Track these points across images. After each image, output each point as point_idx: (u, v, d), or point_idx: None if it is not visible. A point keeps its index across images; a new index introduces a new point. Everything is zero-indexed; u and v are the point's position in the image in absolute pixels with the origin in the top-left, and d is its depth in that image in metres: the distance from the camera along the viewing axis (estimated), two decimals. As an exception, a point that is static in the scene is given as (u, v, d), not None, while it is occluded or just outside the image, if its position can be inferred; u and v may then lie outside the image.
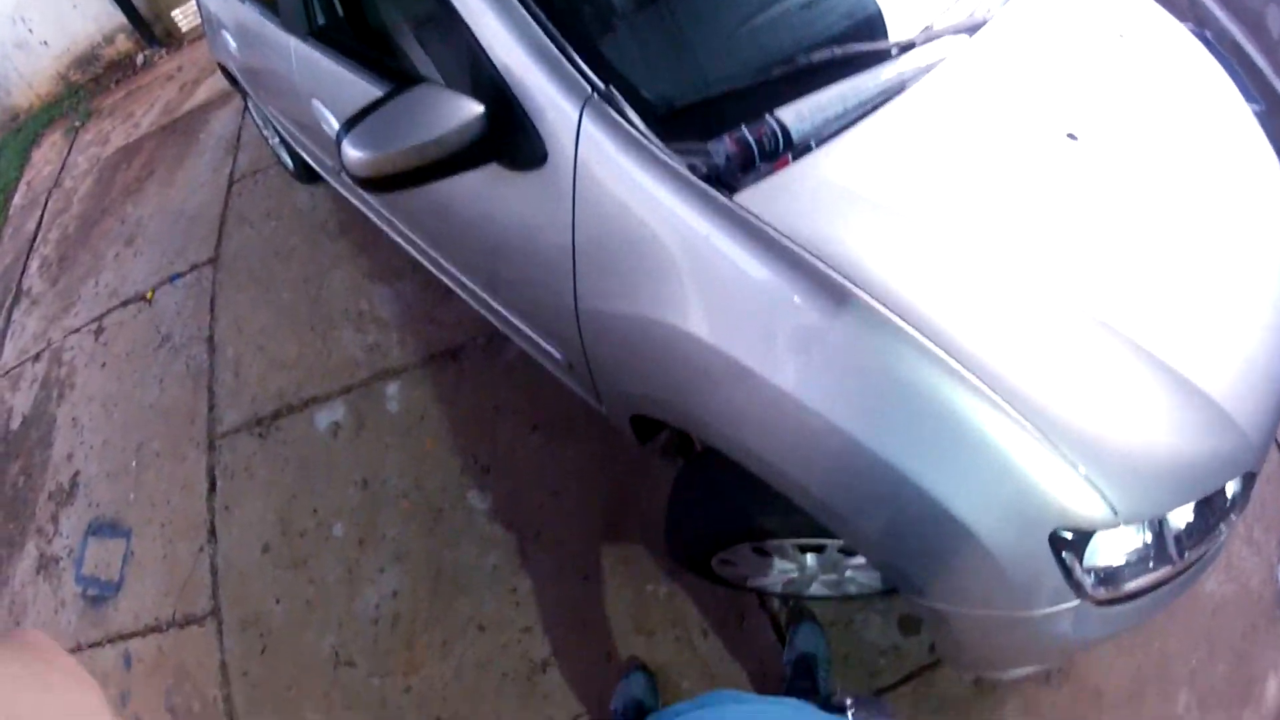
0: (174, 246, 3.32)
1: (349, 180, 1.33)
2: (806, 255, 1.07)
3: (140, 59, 5.25)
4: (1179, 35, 1.69)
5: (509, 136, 1.34)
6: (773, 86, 1.29)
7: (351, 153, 1.27)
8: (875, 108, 1.26)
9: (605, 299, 1.33)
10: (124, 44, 5.46)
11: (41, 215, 4.08)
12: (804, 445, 1.09)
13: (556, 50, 1.29)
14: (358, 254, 2.87)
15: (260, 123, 3.33)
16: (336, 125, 1.85)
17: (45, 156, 4.64)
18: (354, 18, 1.92)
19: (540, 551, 1.98)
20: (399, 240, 2.29)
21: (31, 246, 3.88)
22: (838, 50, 1.32)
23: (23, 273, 3.75)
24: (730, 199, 1.13)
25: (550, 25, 1.31)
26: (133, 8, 5.28)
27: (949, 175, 1.20)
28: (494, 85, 1.34)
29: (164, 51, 5.24)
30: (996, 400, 0.97)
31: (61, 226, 3.88)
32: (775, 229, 1.09)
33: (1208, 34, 1.81)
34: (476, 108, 1.29)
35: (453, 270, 2.00)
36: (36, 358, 3.22)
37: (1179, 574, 1.12)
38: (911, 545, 1.09)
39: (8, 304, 3.61)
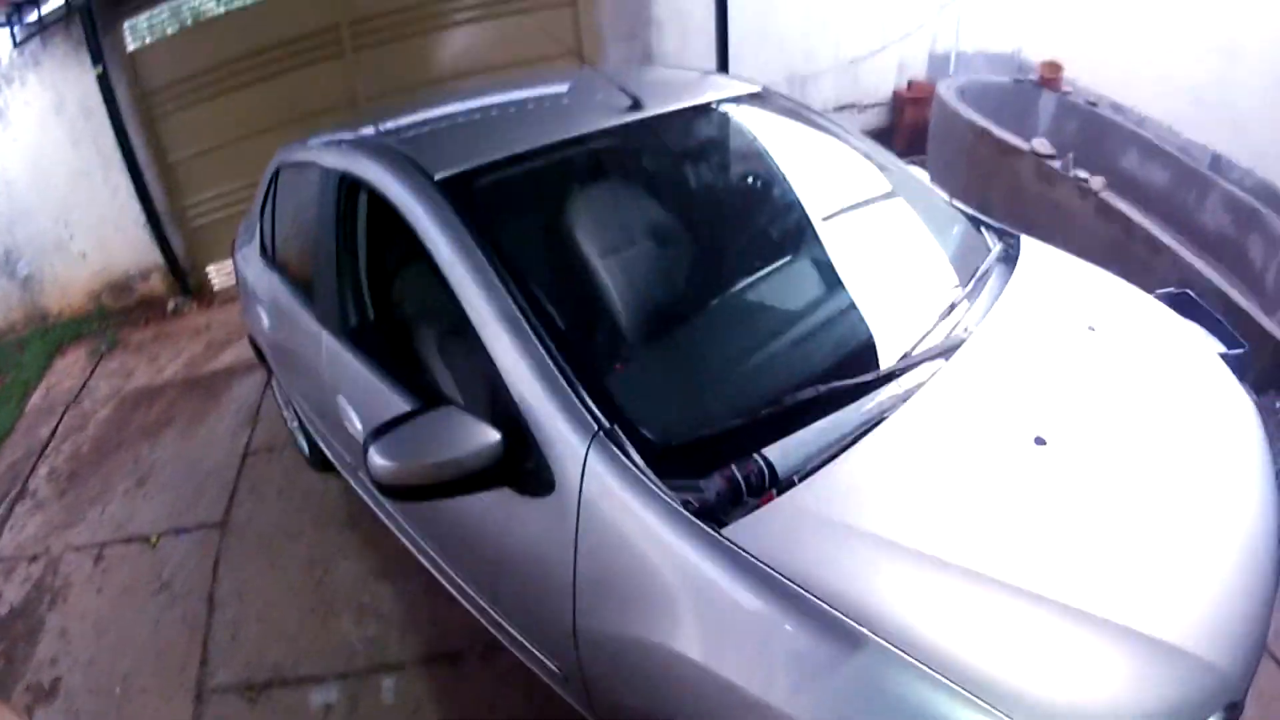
0: (184, 500, 3.64)
1: (368, 482, 1.38)
2: (791, 584, 1.15)
3: (171, 305, 5.82)
4: (1149, 311, 1.83)
5: (521, 464, 1.42)
6: (763, 423, 1.40)
7: (377, 460, 1.36)
8: (855, 439, 1.36)
9: (603, 620, 1.37)
10: (158, 283, 5.98)
11: (57, 425, 4.51)
12: None
13: (568, 386, 1.39)
14: (365, 548, 3.08)
15: (281, 403, 3.57)
16: (359, 425, 2.01)
17: (68, 369, 5.11)
18: (384, 325, 2.06)
19: None
20: (406, 542, 2.36)
21: (43, 451, 4.27)
22: (822, 388, 1.43)
23: (31, 472, 4.10)
24: (719, 532, 1.22)
25: (563, 362, 1.41)
26: (171, 252, 5.86)
27: (923, 496, 1.30)
28: (509, 412, 1.43)
29: (194, 304, 5.83)
30: (972, 698, 1.04)
31: (75, 443, 4.31)
32: (760, 560, 1.18)
33: (1190, 292, 1.92)
34: (494, 435, 1.38)
35: (456, 577, 2.04)
36: (33, 559, 3.49)
37: None
38: None
39: (12, 496, 3.92)
